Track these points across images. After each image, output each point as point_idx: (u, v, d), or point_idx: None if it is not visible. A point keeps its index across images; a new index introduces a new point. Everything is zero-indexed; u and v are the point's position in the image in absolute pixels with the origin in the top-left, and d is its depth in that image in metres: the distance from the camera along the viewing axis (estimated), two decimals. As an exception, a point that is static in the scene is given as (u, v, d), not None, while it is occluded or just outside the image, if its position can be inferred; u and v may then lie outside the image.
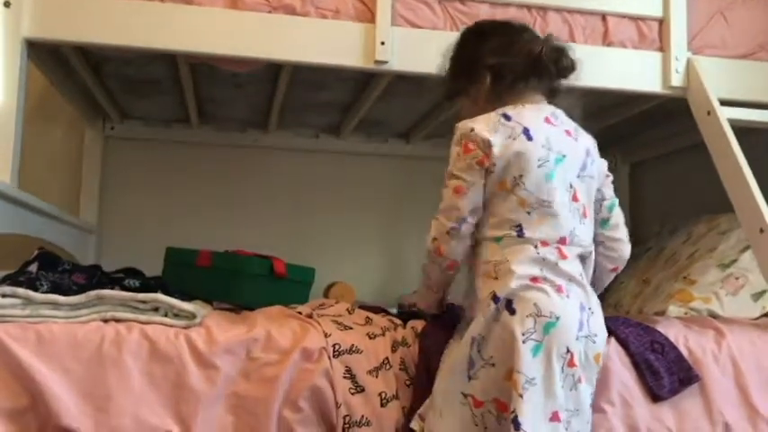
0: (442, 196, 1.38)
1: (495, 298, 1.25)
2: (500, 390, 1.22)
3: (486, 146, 1.31)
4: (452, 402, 1.26)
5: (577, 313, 1.26)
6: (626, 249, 1.51)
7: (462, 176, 1.34)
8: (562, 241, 1.31)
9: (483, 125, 1.34)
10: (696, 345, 1.54)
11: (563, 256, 1.29)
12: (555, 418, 1.20)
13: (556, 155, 1.34)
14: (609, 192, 1.48)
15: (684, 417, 1.47)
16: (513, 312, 1.23)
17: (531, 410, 1.18)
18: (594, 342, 1.28)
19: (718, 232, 2.15)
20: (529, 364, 1.20)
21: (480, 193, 1.34)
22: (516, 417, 1.17)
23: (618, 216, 1.49)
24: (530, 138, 1.33)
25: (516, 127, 1.34)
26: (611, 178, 1.50)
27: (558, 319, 1.23)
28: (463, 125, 1.36)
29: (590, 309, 1.30)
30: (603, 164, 1.48)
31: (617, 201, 1.49)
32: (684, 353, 1.51)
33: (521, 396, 1.18)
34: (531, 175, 1.31)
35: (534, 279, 1.26)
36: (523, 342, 1.21)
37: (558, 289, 1.26)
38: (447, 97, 1.59)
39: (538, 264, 1.27)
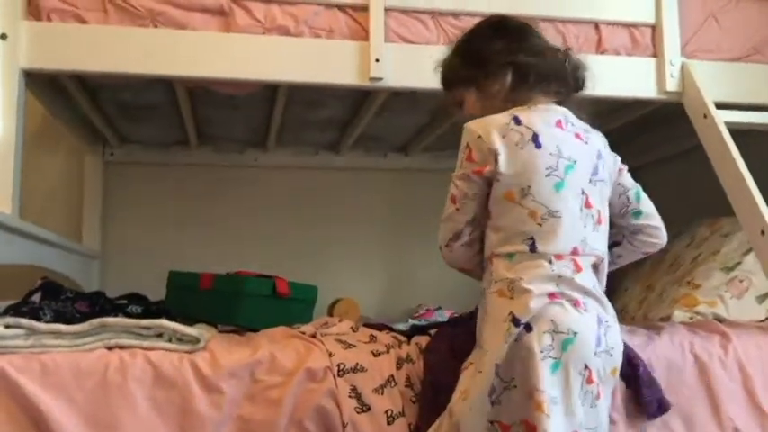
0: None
1: (515, 320, 1.18)
2: (526, 410, 1.17)
3: (493, 155, 1.26)
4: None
5: (595, 328, 1.22)
6: (665, 235, 1.48)
7: (461, 187, 1.30)
8: (575, 252, 1.26)
9: (492, 130, 1.28)
10: (702, 350, 1.54)
11: (578, 269, 1.25)
12: None
13: (566, 162, 1.29)
14: (629, 181, 1.45)
15: (693, 423, 1.46)
16: (529, 329, 1.18)
17: (556, 430, 1.15)
18: (612, 356, 1.25)
19: (720, 235, 2.14)
20: (549, 382, 1.16)
21: (481, 203, 1.30)
22: None
23: (647, 203, 1.46)
24: (539, 145, 1.27)
25: (526, 133, 1.27)
26: (625, 168, 1.46)
27: (575, 335, 1.19)
28: (471, 129, 1.30)
29: (606, 322, 1.25)
30: (615, 159, 1.44)
31: (640, 188, 1.46)
32: (690, 359, 1.50)
33: (548, 416, 1.14)
34: (540, 185, 1.26)
35: (551, 295, 1.21)
36: (542, 359, 1.16)
37: (576, 303, 1.21)
38: (449, 84, 1.47)
39: (554, 280, 1.22)
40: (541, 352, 1.16)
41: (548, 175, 1.26)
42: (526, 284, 1.21)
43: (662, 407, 1.44)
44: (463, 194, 1.30)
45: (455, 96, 1.45)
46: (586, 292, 1.24)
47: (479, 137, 1.28)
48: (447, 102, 1.51)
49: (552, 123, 1.31)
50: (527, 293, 1.20)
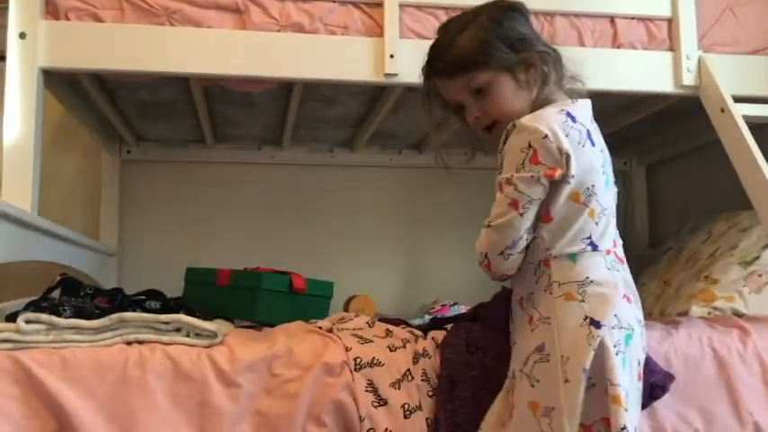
0: (495, 202, 1.24)
1: (594, 323, 1.15)
2: (605, 407, 1.13)
3: (564, 157, 1.18)
4: None
5: (642, 322, 1.23)
6: None
7: (524, 191, 1.20)
8: (614, 244, 1.26)
9: (556, 129, 1.19)
10: (721, 344, 1.53)
11: (622, 262, 1.25)
12: None
13: (606, 155, 1.28)
14: None
15: (712, 417, 1.45)
16: (598, 326, 1.16)
17: (632, 426, 1.13)
18: (645, 352, 1.26)
19: (738, 230, 2.12)
20: (623, 377, 1.14)
21: (539, 206, 1.22)
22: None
23: None
24: (593, 143, 1.24)
25: (582, 130, 1.23)
26: None
27: (632, 330, 1.19)
28: (533, 128, 1.19)
29: (642, 317, 1.26)
30: None
31: None
32: (709, 353, 1.50)
33: (626, 410, 1.12)
34: (599, 184, 1.23)
35: (614, 291, 1.20)
36: (616, 354, 1.14)
37: (627, 298, 1.22)
38: (472, 66, 1.28)
39: (612, 276, 1.22)
40: (614, 347, 1.15)
41: (603, 173, 1.25)
42: (594, 285, 1.19)
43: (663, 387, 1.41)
44: (528, 200, 1.20)
45: (476, 82, 1.29)
46: (630, 286, 1.25)
47: (546, 137, 1.18)
48: (453, 89, 1.33)
49: (591, 118, 1.29)
50: (597, 295, 1.18)
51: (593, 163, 1.23)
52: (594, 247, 1.22)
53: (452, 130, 1.46)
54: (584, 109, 1.28)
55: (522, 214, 1.20)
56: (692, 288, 2.00)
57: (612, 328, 1.16)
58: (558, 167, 1.19)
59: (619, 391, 1.12)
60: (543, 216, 1.23)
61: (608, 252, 1.24)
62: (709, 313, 1.85)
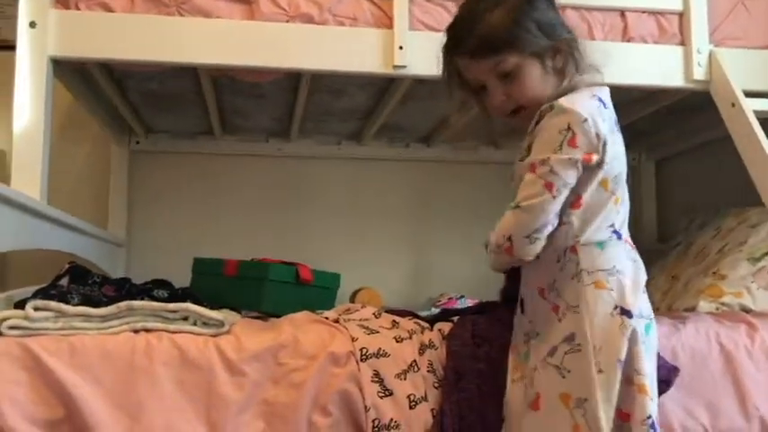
0: (524, 182, 1.20)
1: (625, 312, 1.15)
2: (620, 398, 1.13)
3: (601, 142, 1.17)
4: None
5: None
6: None
7: (560, 174, 1.16)
8: (628, 235, 1.26)
9: (594, 113, 1.17)
10: (728, 339, 1.52)
11: (636, 250, 1.26)
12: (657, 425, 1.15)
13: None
14: None
15: (719, 412, 1.45)
16: (630, 315, 1.15)
17: (657, 416, 1.13)
18: None
19: (747, 225, 2.11)
20: (649, 367, 1.14)
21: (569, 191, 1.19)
22: (653, 422, 1.11)
23: None
24: (619, 130, 1.24)
25: (612, 117, 1.22)
26: None
27: (651, 320, 1.19)
28: (573, 110, 1.17)
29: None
30: None
31: None
32: (716, 348, 1.49)
33: (651, 399, 1.12)
34: (623, 172, 1.23)
35: (637, 280, 1.20)
36: (642, 343, 1.14)
37: (645, 289, 1.22)
38: (504, 47, 1.23)
39: (634, 264, 1.22)
40: (640, 336, 1.15)
41: (624, 162, 1.25)
42: (620, 274, 1.18)
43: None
44: (562, 183, 1.17)
45: (504, 65, 1.24)
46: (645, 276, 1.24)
47: (585, 120, 1.16)
48: (478, 70, 1.27)
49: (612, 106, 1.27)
50: (625, 284, 1.18)
51: (620, 150, 1.23)
52: (618, 236, 1.22)
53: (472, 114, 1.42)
54: (608, 95, 1.26)
55: (554, 197, 1.17)
56: (700, 283, 1.99)
57: (637, 316, 1.16)
58: (594, 152, 1.17)
59: (645, 380, 1.12)
60: (573, 202, 1.20)
61: (626, 241, 1.24)
62: (717, 309, 1.84)
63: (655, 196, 3.01)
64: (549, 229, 1.19)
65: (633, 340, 1.14)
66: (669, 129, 2.73)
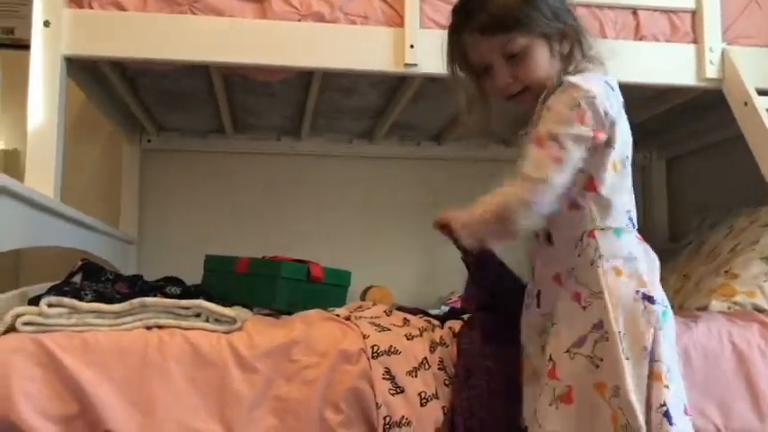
0: (530, 155, 1.16)
1: (648, 298, 1.14)
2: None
3: (609, 121, 1.16)
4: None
5: None
6: None
7: (569, 149, 1.13)
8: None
9: (604, 92, 1.16)
10: (741, 339, 1.52)
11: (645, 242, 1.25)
12: (686, 411, 1.14)
13: None
14: None
15: (731, 412, 1.45)
16: (652, 301, 1.15)
17: (674, 403, 1.11)
18: None
19: (760, 225, 2.10)
20: (667, 354, 1.13)
21: (584, 175, 1.18)
22: (668, 410, 1.09)
23: None
24: (625, 114, 1.23)
25: (620, 100, 1.21)
26: None
27: (667, 307, 1.18)
28: (584, 87, 1.15)
29: None
30: None
31: None
32: (728, 347, 1.49)
33: (667, 387, 1.11)
34: (630, 157, 1.22)
35: (653, 269, 1.20)
36: (660, 330, 1.13)
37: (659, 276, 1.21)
38: (514, 26, 1.21)
39: (647, 251, 1.21)
40: (657, 322, 1.14)
41: (631, 150, 1.24)
42: (637, 261, 1.18)
43: None
44: (569, 157, 1.13)
45: (513, 45, 1.22)
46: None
47: (595, 97, 1.15)
48: (485, 48, 1.24)
49: None
50: (643, 270, 1.17)
51: (629, 135, 1.22)
52: (633, 224, 1.22)
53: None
54: (616, 84, 1.24)
55: (561, 171, 1.13)
56: (712, 283, 1.98)
57: (657, 304, 1.15)
58: (603, 131, 1.16)
59: (661, 367, 1.11)
60: (589, 185, 1.19)
61: (638, 229, 1.24)
62: (729, 308, 1.83)
63: (666, 195, 2.99)
64: (552, 206, 1.15)
65: (657, 327, 1.13)
66: (681, 127, 2.72)
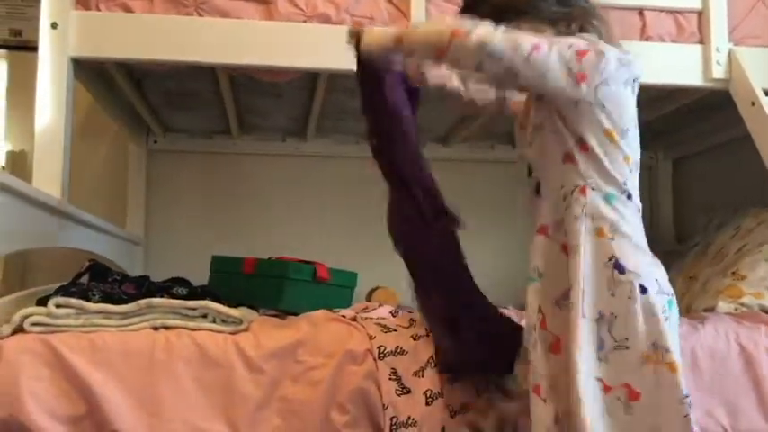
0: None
1: (618, 266, 1.12)
2: (632, 375, 1.11)
3: (599, 76, 1.14)
4: None
5: None
6: None
7: (552, 49, 1.12)
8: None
9: (612, 56, 1.15)
10: (748, 340, 1.51)
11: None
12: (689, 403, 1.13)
13: None
14: None
15: (738, 413, 1.44)
16: (644, 291, 1.12)
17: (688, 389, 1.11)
18: None
19: (767, 226, 2.10)
20: (675, 344, 1.12)
21: (571, 133, 1.17)
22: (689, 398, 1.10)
23: None
24: (634, 91, 1.23)
25: (631, 76, 1.21)
26: None
27: (672, 296, 1.16)
28: (593, 40, 1.16)
29: None
30: None
31: None
32: (736, 349, 1.48)
33: (681, 375, 1.11)
34: (633, 133, 1.20)
35: (652, 253, 1.18)
36: (665, 320, 1.12)
37: (659, 266, 1.19)
38: (522, 8, 1.23)
39: (643, 233, 1.19)
40: (663, 313, 1.12)
41: (636, 127, 1.22)
42: (621, 230, 1.15)
43: None
44: (548, 55, 1.12)
45: (518, 27, 1.19)
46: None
47: (602, 53, 1.14)
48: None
49: None
50: (628, 241, 1.15)
51: (631, 109, 1.20)
52: (629, 197, 1.18)
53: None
54: (640, 68, 1.23)
55: (532, 50, 1.11)
56: (719, 284, 1.97)
57: (656, 293, 1.13)
58: (586, 78, 1.13)
59: (674, 357, 1.10)
60: (579, 144, 1.18)
61: (639, 210, 1.21)
62: (736, 309, 1.83)
63: (672, 196, 2.98)
64: (500, 68, 1.14)
65: (652, 314, 1.11)
66: (687, 128, 2.71)
